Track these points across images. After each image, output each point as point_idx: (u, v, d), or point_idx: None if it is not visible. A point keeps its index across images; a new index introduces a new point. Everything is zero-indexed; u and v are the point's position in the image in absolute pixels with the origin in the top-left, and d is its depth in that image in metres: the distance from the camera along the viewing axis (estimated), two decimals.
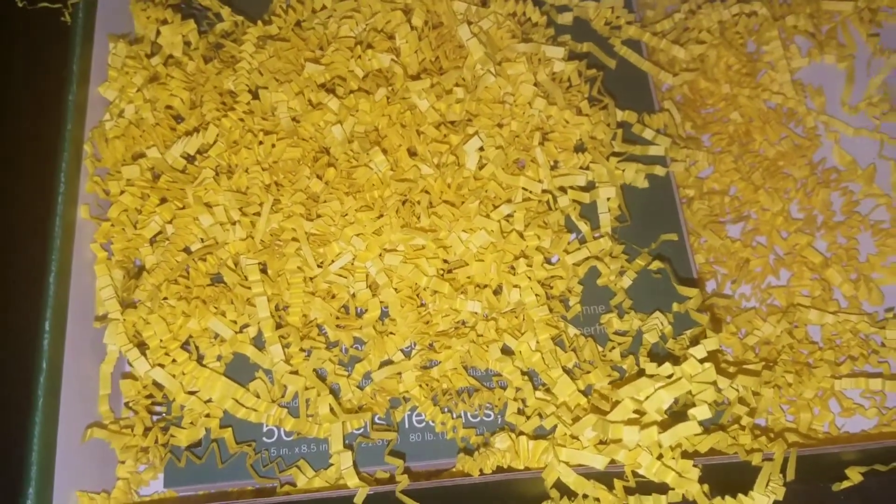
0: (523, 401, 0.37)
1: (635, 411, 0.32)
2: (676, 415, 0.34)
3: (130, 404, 0.39)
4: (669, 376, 0.32)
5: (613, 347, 0.39)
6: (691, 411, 0.31)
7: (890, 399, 0.41)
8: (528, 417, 0.36)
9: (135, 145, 0.41)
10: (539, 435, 0.36)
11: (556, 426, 0.35)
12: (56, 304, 0.36)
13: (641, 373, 0.35)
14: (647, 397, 0.31)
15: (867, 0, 0.50)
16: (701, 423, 0.33)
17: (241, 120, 0.40)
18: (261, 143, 0.40)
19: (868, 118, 0.49)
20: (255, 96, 0.41)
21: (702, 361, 0.31)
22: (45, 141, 0.39)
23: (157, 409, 0.39)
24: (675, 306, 0.40)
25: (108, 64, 0.43)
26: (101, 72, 0.43)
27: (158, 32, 0.43)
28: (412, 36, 0.42)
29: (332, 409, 0.36)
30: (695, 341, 0.37)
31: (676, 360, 0.35)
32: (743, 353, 0.41)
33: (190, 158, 0.41)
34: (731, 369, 0.37)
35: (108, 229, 0.40)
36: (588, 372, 0.37)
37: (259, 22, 0.43)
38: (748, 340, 0.42)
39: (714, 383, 0.31)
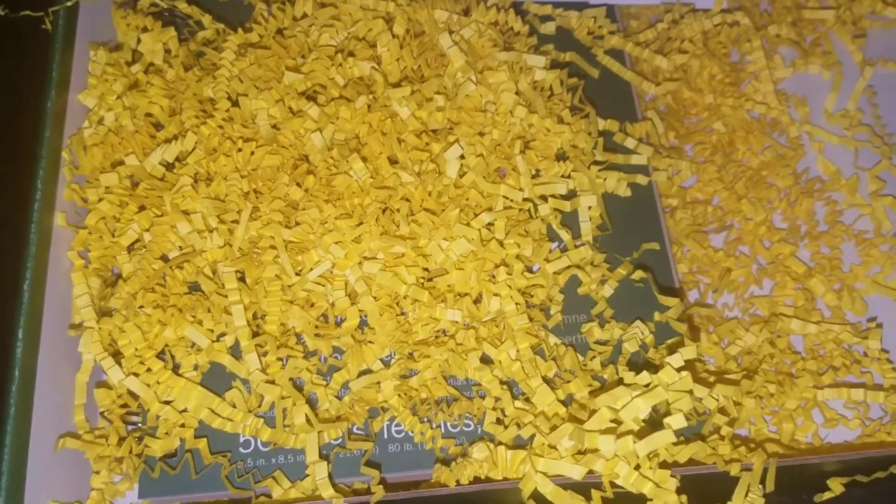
0: (502, 410, 0.37)
1: (613, 420, 0.32)
2: (657, 425, 0.33)
3: (105, 413, 0.38)
4: (647, 385, 0.32)
5: (594, 357, 0.39)
6: (666, 420, 0.30)
7: (873, 410, 0.41)
8: (506, 427, 0.35)
9: (113, 153, 0.41)
10: (517, 445, 0.35)
11: (534, 435, 0.34)
12: (30, 311, 0.36)
13: (621, 382, 0.35)
14: (624, 406, 0.31)
15: (849, 7, 0.50)
16: (680, 433, 0.32)
17: (221, 127, 0.40)
18: (240, 150, 0.40)
19: (841, 129, 0.49)
20: (235, 104, 0.41)
21: (679, 370, 0.31)
22: (22, 148, 0.39)
23: (133, 418, 0.39)
24: (656, 315, 0.40)
25: (88, 71, 0.42)
26: (81, 79, 0.42)
27: (139, 40, 0.43)
28: (393, 44, 0.42)
29: (307, 419, 0.36)
30: (674, 350, 0.37)
31: (657, 370, 0.34)
32: (725, 363, 0.41)
33: (169, 166, 0.41)
34: (712, 379, 0.37)
35: (86, 237, 0.39)
36: (568, 381, 0.37)
37: (239, 29, 0.43)
38: (730, 350, 0.41)
39: (691, 392, 0.31)
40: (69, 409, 0.38)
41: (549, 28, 0.48)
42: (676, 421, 0.30)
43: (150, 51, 0.42)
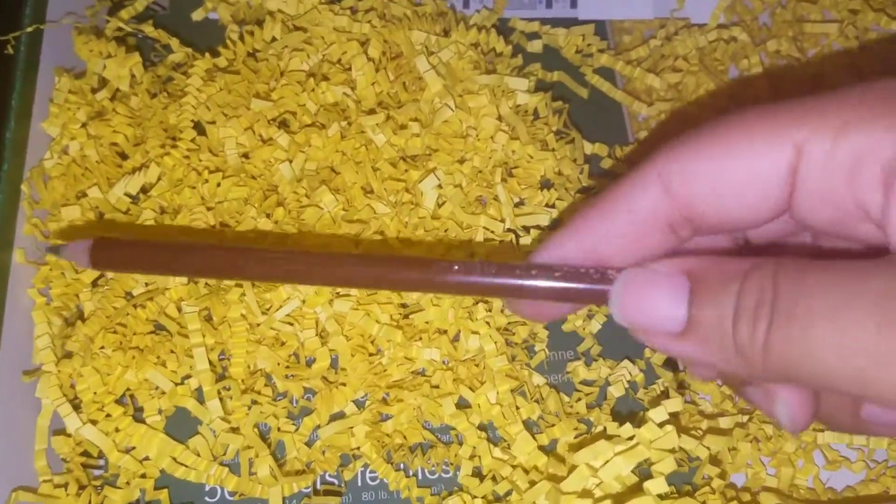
0: (480, 458, 0.35)
1: (594, 476, 0.29)
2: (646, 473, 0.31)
3: (66, 462, 0.36)
4: (631, 438, 0.30)
5: (580, 399, 0.37)
6: (646, 484, 0.28)
7: (878, 452, 0.38)
8: (482, 480, 0.33)
9: (76, 184, 0.39)
10: (494, 499, 0.33)
11: (510, 491, 0.32)
12: None
13: (605, 431, 0.33)
14: (605, 463, 0.29)
15: (852, 21, 0.48)
16: (671, 482, 0.30)
17: (186, 157, 0.38)
18: (206, 181, 0.38)
19: None
20: (202, 132, 0.39)
21: (664, 424, 0.29)
22: None
23: (99, 463, 0.37)
24: (647, 352, 0.38)
25: (51, 99, 0.40)
26: (44, 107, 0.41)
27: (104, 66, 0.41)
28: (369, 67, 0.40)
29: (272, 472, 0.34)
30: (665, 392, 0.35)
31: (646, 412, 0.32)
32: (721, 402, 0.39)
33: (135, 198, 0.39)
34: (704, 425, 0.35)
35: (47, 273, 0.38)
36: (552, 425, 0.35)
37: (207, 54, 0.41)
38: (727, 388, 0.39)
39: (674, 450, 0.28)
40: (30, 454, 0.36)
41: (535, 46, 0.46)
42: (657, 485, 0.28)
43: (116, 77, 0.41)
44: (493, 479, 0.33)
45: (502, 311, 0.37)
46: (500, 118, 0.40)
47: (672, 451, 0.28)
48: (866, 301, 0.18)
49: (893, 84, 0.20)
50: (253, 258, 0.25)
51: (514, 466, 0.33)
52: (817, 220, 0.22)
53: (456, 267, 0.24)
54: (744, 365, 0.21)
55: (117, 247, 0.27)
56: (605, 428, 0.32)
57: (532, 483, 0.31)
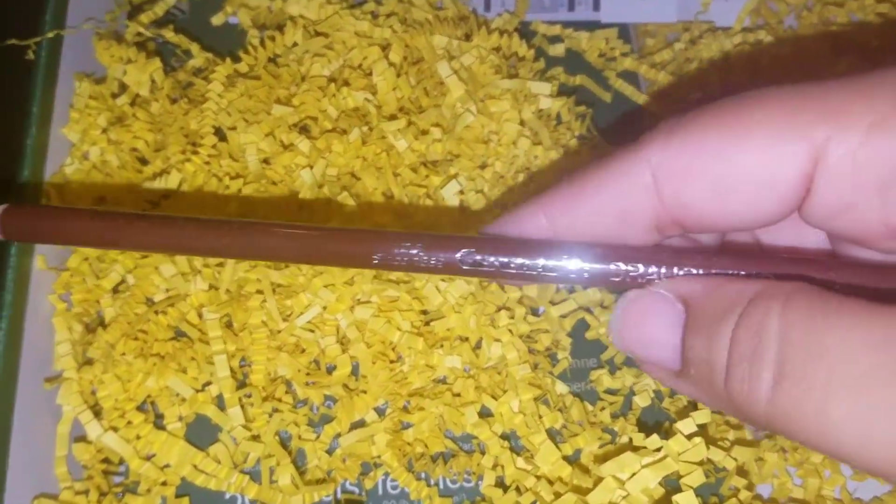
0: (503, 467, 0.34)
1: (620, 489, 0.29)
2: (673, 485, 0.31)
3: (86, 469, 0.36)
4: (658, 449, 0.29)
5: (604, 408, 0.36)
6: (675, 498, 0.27)
7: None
8: (505, 491, 0.33)
9: (97, 190, 0.39)
10: None
11: (535, 503, 0.32)
12: (6, 364, 0.34)
13: (631, 442, 0.32)
14: (632, 475, 0.28)
15: (880, 24, 0.47)
16: (698, 494, 0.30)
17: (207, 163, 0.38)
18: (227, 187, 0.38)
19: None
20: (223, 138, 0.39)
21: (692, 436, 0.28)
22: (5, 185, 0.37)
23: (120, 469, 0.37)
24: None
25: (71, 104, 0.40)
26: (64, 113, 0.41)
27: (125, 71, 0.41)
28: (390, 73, 0.39)
29: (293, 481, 0.33)
30: (693, 404, 0.35)
31: (673, 422, 0.32)
32: None
33: (155, 204, 0.39)
34: (732, 436, 0.34)
35: (68, 279, 0.38)
36: (576, 434, 0.35)
37: (228, 59, 0.41)
38: None
39: (703, 462, 0.28)
40: (50, 461, 0.36)
41: (557, 50, 0.45)
42: (686, 499, 0.27)
43: (136, 82, 0.41)
44: (517, 489, 0.33)
45: (525, 318, 0.36)
46: (522, 123, 0.39)
47: (700, 463, 0.28)
48: None
49: None
50: (177, 227, 0.23)
51: (538, 477, 0.33)
52: (832, 229, 0.19)
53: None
54: (741, 415, 0.18)
55: (31, 215, 0.25)
56: (630, 439, 0.32)
57: (557, 495, 0.31)
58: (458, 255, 0.21)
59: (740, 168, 0.18)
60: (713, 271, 0.20)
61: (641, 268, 0.20)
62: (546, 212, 0.22)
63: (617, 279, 0.21)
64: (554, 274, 0.21)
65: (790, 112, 0.18)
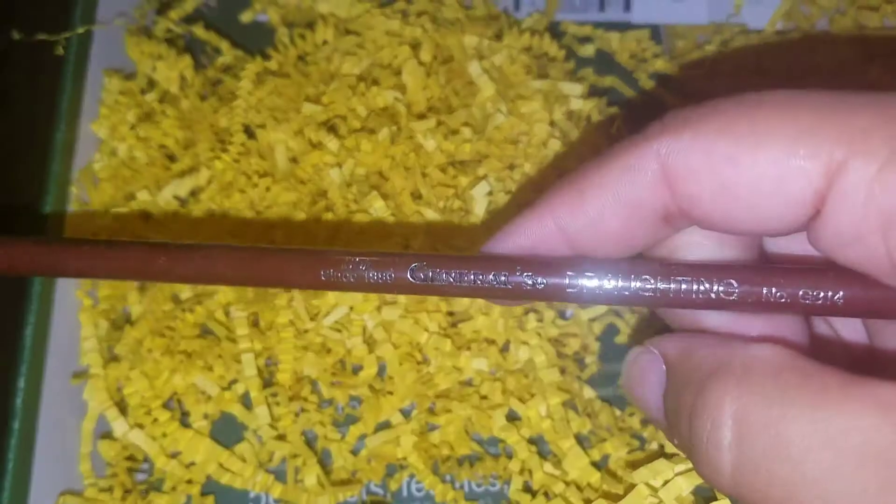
0: (530, 472, 0.34)
1: (652, 496, 0.28)
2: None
3: (111, 465, 0.36)
4: None
5: (633, 413, 0.36)
6: None
7: None
8: (533, 495, 0.33)
9: (125, 186, 0.39)
10: None
11: None
12: (33, 358, 0.34)
13: (662, 448, 0.32)
14: (665, 483, 0.28)
15: None
16: None
17: (236, 161, 0.38)
18: (255, 185, 0.37)
19: None
20: (252, 135, 0.39)
21: None
22: (29, 181, 0.37)
23: (143, 466, 0.37)
24: None
25: (101, 100, 0.40)
26: (93, 108, 0.41)
27: (155, 68, 0.41)
28: (419, 72, 0.39)
29: (319, 481, 0.33)
30: None
31: None
32: None
33: (183, 201, 0.39)
34: None
35: None
36: (604, 440, 0.34)
37: (258, 57, 0.41)
38: None
39: None
40: (74, 458, 0.36)
41: (587, 50, 0.45)
42: None
43: (166, 79, 0.40)
44: (546, 495, 0.32)
45: (554, 322, 0.36)
46: (552, 124, 0.39)
47: None
48: (869, 459, 0.14)
49: None
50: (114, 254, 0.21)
51: (566, 483, 0.32)
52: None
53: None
54: (713, 479, 0.17)
55: None
56: (661, 446, 0.31)
57: (587, 501, 0.31)
58: (407, 273, 0.21)
59: (751, 176, 0.18)
60: (671, 285, 0.19)
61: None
62: (554, 215, 0.21)
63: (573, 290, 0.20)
64: (509, 287, 0.20)
65: (809, 125, 0.17)
